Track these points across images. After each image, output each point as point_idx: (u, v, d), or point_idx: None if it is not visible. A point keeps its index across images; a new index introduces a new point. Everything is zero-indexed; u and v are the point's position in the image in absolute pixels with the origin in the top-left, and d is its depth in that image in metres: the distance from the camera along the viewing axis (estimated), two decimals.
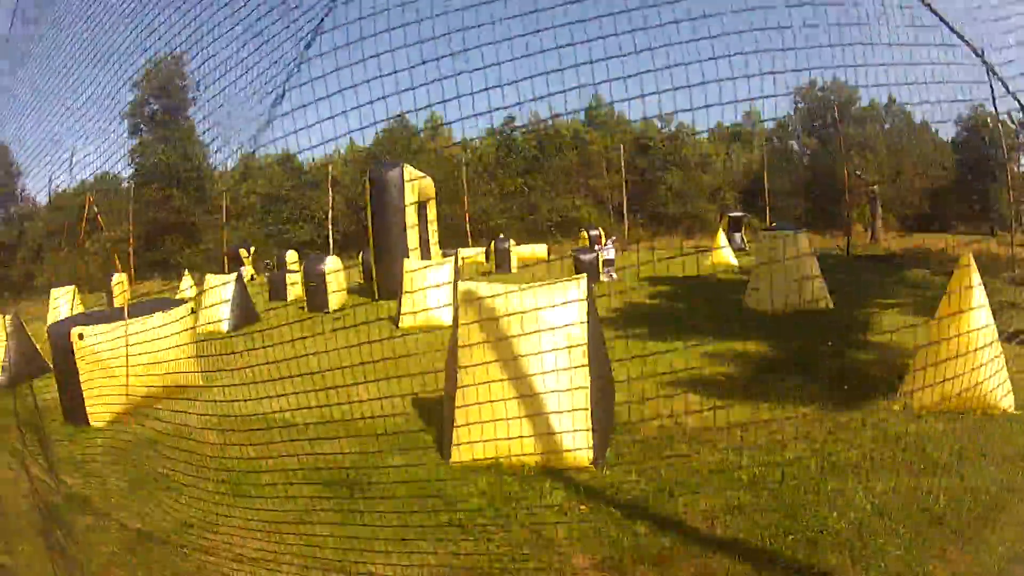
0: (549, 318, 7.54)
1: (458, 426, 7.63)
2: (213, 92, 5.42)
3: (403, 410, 8.72)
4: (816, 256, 17.83)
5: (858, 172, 44.98)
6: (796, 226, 18.70)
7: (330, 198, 45.36)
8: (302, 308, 22.65)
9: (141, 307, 11.89)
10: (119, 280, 27.70)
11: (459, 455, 7.69)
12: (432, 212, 30.01)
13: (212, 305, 19.78)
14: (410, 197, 25.38)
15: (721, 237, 31.26)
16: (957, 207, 48.91)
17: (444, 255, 28.29)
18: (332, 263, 23.86)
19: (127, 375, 10.02)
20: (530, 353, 7.47)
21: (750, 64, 4.42)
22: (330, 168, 47.22)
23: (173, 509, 6.63)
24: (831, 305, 16.27)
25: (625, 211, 52.19)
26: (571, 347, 7.51)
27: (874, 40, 4.81)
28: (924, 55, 5.08)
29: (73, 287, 23.81)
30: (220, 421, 7.17)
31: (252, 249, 46.29)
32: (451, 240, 39.52)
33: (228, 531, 5.97)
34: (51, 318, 21.15)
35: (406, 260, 19.98)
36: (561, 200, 58.36)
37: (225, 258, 42.11)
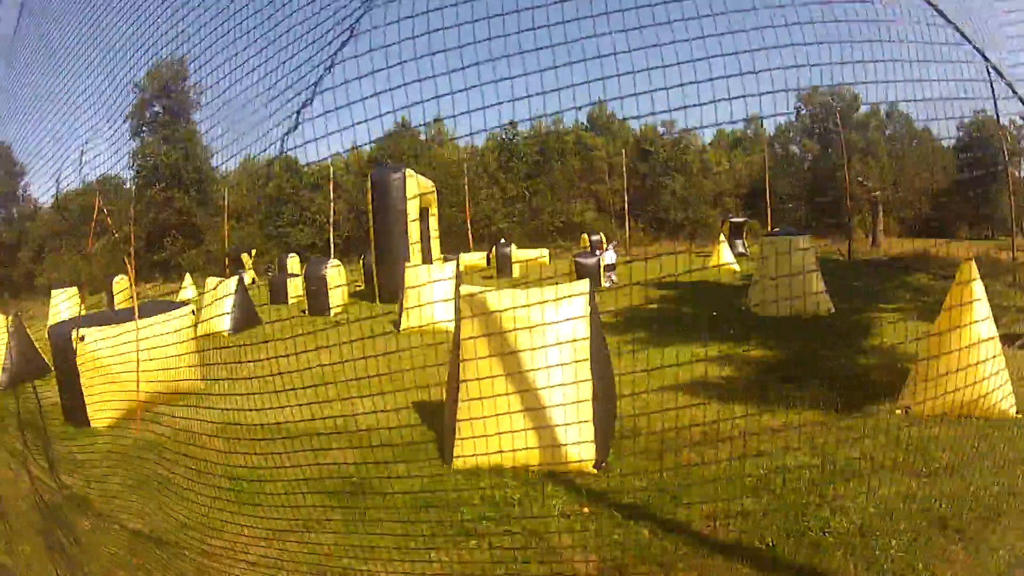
0: (552, 323, 7.53)
1: (460, 431, 7.61)
2: (233, 94, 5.37)
3: (404, 415, 8.71)
4: (817, 261, 17.83)
5: (860, 178, 45.01)
6: (797, 231, 18.71)
7: (331, 201, 45.40)
8: (303, 312, 22.61)
9: (142, 309, 11.89)
10: (120, 281, 27.69)
11: (461, 460, 7.68)
12: (433, 216, 29.99)
13: (213, 307, 19.76)
14: (412, 201, 25.37)
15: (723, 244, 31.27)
16: (958, 211, 48.95)
17: (445, 259, 28.28)
18: (333, 267, 23.85)
19: (137, 376, 9.99)
20: (532, 358, 7.44)
21: (752, 68, 4.40)
22: (332, 171, 47.24)
23: (174, 512, 6.62)
24: (832, 310, 16.27)
25: (627, 216, 52.22)
26: (573, 352, 7.49)
27: (881, 41, 4.79)
28: (931, 58, 5.07)
29: (74, 288, 23.81)
30: (222, 426, 7.16)
31: (253, 252, 46.27)
32: (452, 244, 39.56)
33: (229, 535, 5.96)
34: (52, 319, 21.13)
35: (407, 264, 19.96)
36: (563, 205, 58.44)
37: (227, 260, 42.10)
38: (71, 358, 10.79)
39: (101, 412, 10.68)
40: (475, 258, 39.78)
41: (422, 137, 57.87)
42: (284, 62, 4.97)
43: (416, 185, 26.03)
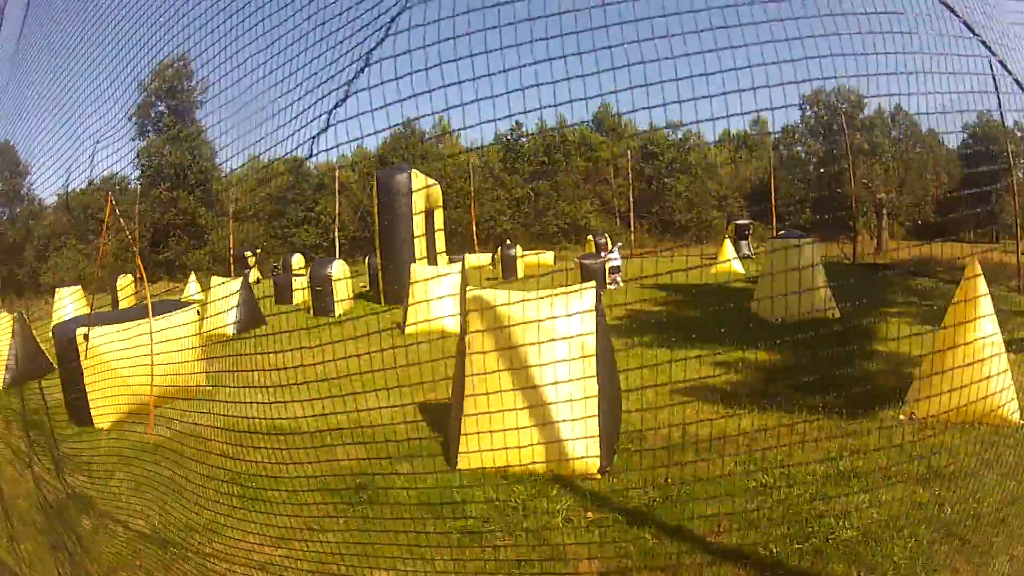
0: (557, 326, 7.52)
1: (465, 433, 7.61)
2: (259, 91, 5.31)
3: (409, 416, 8.70)
4: (823, 264, 17.81)
5: (865, 181, 44.96)
6: (803, 233, 18.66)
7: (336, 202, 45.43)
8: (308, 312, 22.61)
9: (146, 308, 11.89)
10: (124, 281, 27.74)
11: (466, 462, 7.67)
12: (439, 218, 29.99)
13: (218, 307, 19.75)
14: (418, 202, 25.38)
15: (728, 245, 31.25)
16: (964, 214, 48.81)
17: (450, 261, 28.30)
18: (338, 267, 23.86)
19: (151, 375, 10.00)
20: (537, 361, 7.43)
21: (757, 73, 4.38)
22: (337, 172, 47.29)
23: (177, 512, 6.61)
24: (837, 314, 16.22)
25: (632, 218, 52.23)
26: (579, 355, 7.48)
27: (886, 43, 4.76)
28: (940, 61, 5.04)
29: (79, 287, 23.85)
30: (226, 426, 7.15)
31: (258, 252, 46.32)
32: (457, 246, 39.60)
33: (233, 536, 5.95)
34: (56, 318, 21.16)
35: (412, 265, 19.97)
36: (568, 207, 58.44)
37: (231, 259, 42.17)
38: (75, 357, 10.80)
39: (104, 411, 10.69)
40: (480, 259, 39.78)
41: (427, 137, 57.91)
42: (312, 60, 4.92)
43: (422, 192, 26.02)
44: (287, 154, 5.14)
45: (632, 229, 52.25)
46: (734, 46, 4.34)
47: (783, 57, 4.34)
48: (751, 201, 55.86)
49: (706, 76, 4.31)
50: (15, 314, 15.95)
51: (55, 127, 8.59)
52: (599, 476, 7.33)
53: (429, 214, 28.54)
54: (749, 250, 37.51)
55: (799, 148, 60.33)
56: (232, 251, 43.40)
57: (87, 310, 21.58)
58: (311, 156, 4.99)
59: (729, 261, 29.96)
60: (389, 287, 24.21)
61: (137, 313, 11.68)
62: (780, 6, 4.40)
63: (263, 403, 5.70)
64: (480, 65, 4.36)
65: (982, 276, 8.17)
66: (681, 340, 12.52)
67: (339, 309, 22.63)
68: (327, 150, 4.97)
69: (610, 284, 26.02)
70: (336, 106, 4.75)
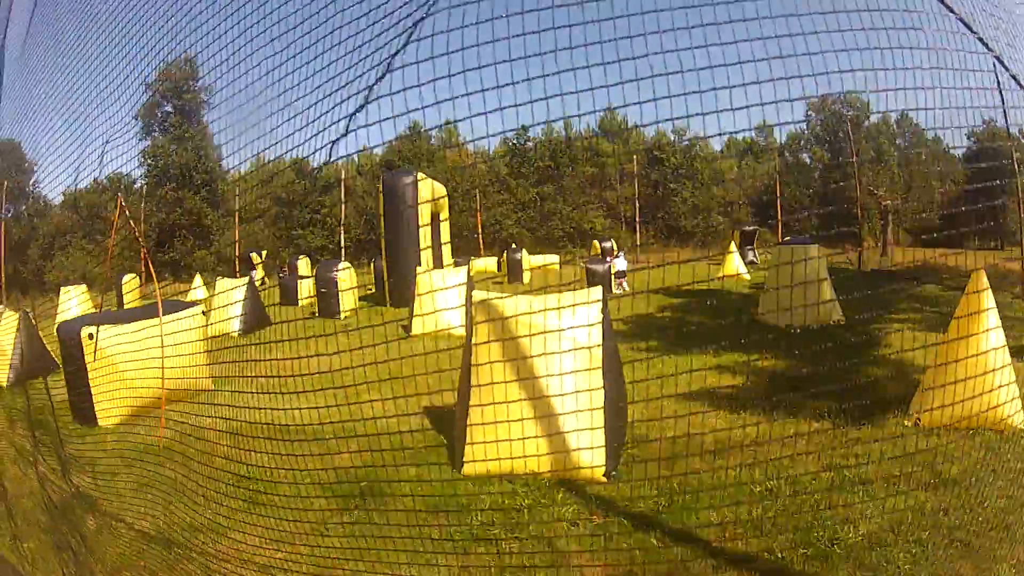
0: (564, 330, 7.51)
1: (471, 436, 7.60)
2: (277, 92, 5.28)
3: (415, 419, 8.71)
4: (828, 270, 17.78)
5: (871, 188, 44.91)
6: (809, 239, 18.62)
7: (342, 204, 45.46)
8: (313, 314, 22.58)
9: (152, 308, 11.89)
10: (129, 280, 27.77)
11: (471, 466, 7.67)
12: (445, 221, 30.01)
13: (223, 307, 19.75)
14: (423, 206, 25.38)
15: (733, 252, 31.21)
16: (968, 221, 48.74)
17: (456, 264, 28.29)
18: (344, 269, 23.83)
19: (163, 375, 9.99)
20: (544, 364, 7.42)
21: (762, 77, 4.37)
22: (343, 174, 47.29)
23: (181, 513, 6.61)
24: (843, 320, 16.19)
25: (637, 223, 52.24)
26: (586, 359, 7.47)
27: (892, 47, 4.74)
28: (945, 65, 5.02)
29: (84, 286, 23.89)
30: (231, 426, 7.15)
31: (264, 253, 46.30)
32: (463, 249, 39.63)
33: (238, 537, 5.95)
34: (60, 316, 21.17)
35: (419, 268, 19.97)
36: (574, 211, 58.47)
37: (236, 260, 42.16)
38: (79, 356, 10.81)
39: (109, 411, 10.69)
40: (486, 263, 39.80)
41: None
42: (330, 64, 4.89)
43: (428, 189, 26.05)
44: (305, 158, 5.10)
45: (637, 234, 52.24)
46: (741, 56, 4.34)
47: (788, 63, 4.33)
48: (757, 207, 55.91)
49: (714, 82, 4.31)
50: (20, 312, 15.96)
51: (62, 127, 8.60)
52: (605, 481, 7.31)
53: (435, 217, 28.56)
54: (755, 256, 37.46)
55: (804, 155, 60.41)
56: (238, 252, 43.38)
57: (92, 309, 21.62)
58: (329, 161, 4.96)
59: (735, 267, 29.95)
60: (395, 290, 24.19)
61: (142, 313, 11.68)
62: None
63: (267, 406, 5.71)
64: (502, 73, 4.35)
65: (987, 282, 8.16)
66: (687, 345, 12.51)
67: (344, 311, 22.60)
68: (346, 156, 4.96)
69: (616, 288, 25.99)
70: (356, 111, 4.72)
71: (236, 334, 17.92)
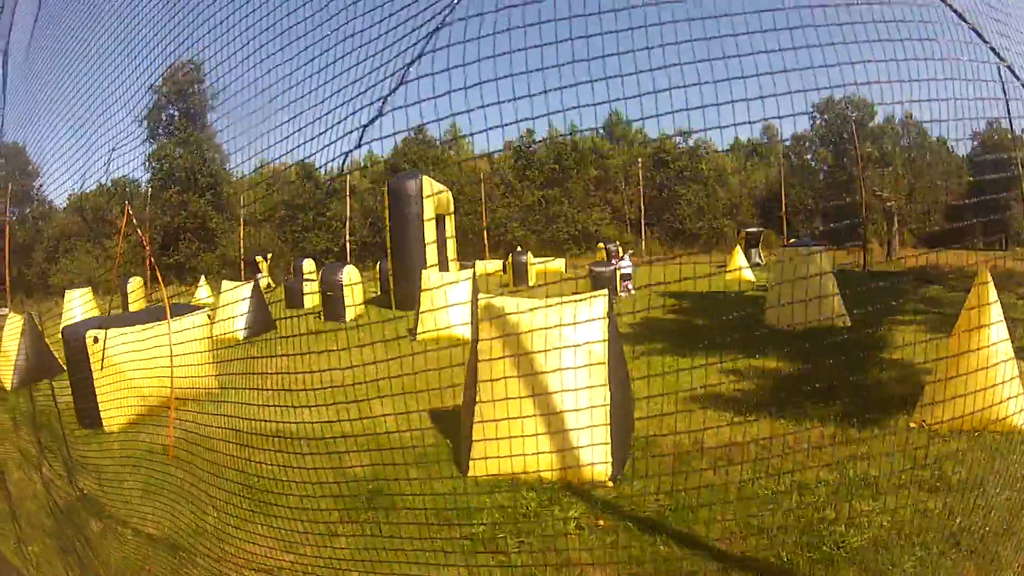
0: (569, 334, 7.50)
1: (476, 440, 7.59)
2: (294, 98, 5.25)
3: (420, 423, 8.70)
4: (834, 272, 17.75)
5: (876, 189, 44.89)
6: (814, 241, 18.60)
7: (347, 207, 45.51)
8: (318, 317, 22.55)
9: (157, 311, 11.88)
10: (134, 283, 27.82)
11: (477, 469, 7.66)
12: (450, 225, 30.01)
13: (228, 311, 19.75)
14: (428, 209, 25.37)
15: (739, 253, 31.18)
16: (973, 221, 48.64)
17: (461, 267, 28.29)
18: (349, 273, 23.79)
19: (172, 378, 9.99)
20: (549, 368, 7.40)
21: (766, 82, 4.36)
22: (348, 177, 47.36)
23: (186, 517, 6.61)
24: (848, 322, 16.16)
25: (642, 225, 52.22)
26: (591, 363, 7.47)
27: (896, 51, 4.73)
28: (949, 68, 5.00)
29: (88, 289, 23.91)
30: (236, 430, 7.15)
31: (269, 256, 46.36)
32: (468, 252, 39.62)
33: (242, 541, 5.94)
34: (65, 320, 21.17)
35: (424, 271, 19.95)
36: (579, 214, 58.49)
37: (242, 263, 42.23)
38: (84, 359, 10.81)
39: (113, 414, 10.69)
40: (491, 266, 39.80)
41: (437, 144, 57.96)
42: (344, 71, 4.87)
43: (433, 198, 26.05)
44: (319, 168, 5.09)
45: (643, 236, 52.24)
46: (741, 54, 4.33)
47: (790, 66, 4.33)
48: (762, 209, 55.86)
49: (714, 84, 4.31)
50: (25, 315, 15.98)
51: (67, 132, 8.62)
52: (610, 484, 7.30)
53: (440, 220, 28.56)
54: (760, 258, 37.44)
55: (809, 157, 60.38)
56: (242, 255, 43.47)
57: (96, 313, 21.65)
58: (343, 172, 4.94)
59: (740, 269, 29.93)
60: (400, 293, 24.17)
61: (148, 316, 11.68)
62: (790, 14, 4.40)
63: (273, 408, 5.71)
64: (518, 85, 4.34)
65: (991, 283, 8.14)
66: (692, 348, 12.49)
67: (350, 314, 22.56)
68: (360, 168, 4.96)
69: (621, 292, 25.95)
70: (371, 122, 4.70)
71: (241, 337, 17.92)
